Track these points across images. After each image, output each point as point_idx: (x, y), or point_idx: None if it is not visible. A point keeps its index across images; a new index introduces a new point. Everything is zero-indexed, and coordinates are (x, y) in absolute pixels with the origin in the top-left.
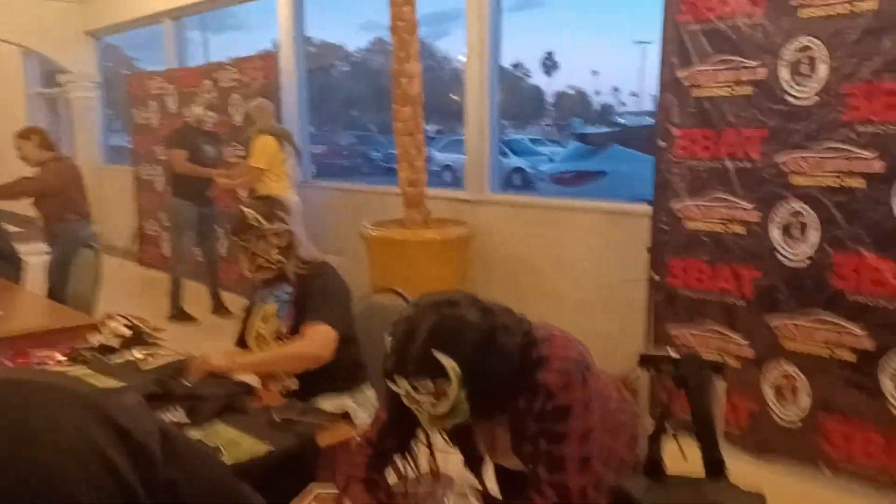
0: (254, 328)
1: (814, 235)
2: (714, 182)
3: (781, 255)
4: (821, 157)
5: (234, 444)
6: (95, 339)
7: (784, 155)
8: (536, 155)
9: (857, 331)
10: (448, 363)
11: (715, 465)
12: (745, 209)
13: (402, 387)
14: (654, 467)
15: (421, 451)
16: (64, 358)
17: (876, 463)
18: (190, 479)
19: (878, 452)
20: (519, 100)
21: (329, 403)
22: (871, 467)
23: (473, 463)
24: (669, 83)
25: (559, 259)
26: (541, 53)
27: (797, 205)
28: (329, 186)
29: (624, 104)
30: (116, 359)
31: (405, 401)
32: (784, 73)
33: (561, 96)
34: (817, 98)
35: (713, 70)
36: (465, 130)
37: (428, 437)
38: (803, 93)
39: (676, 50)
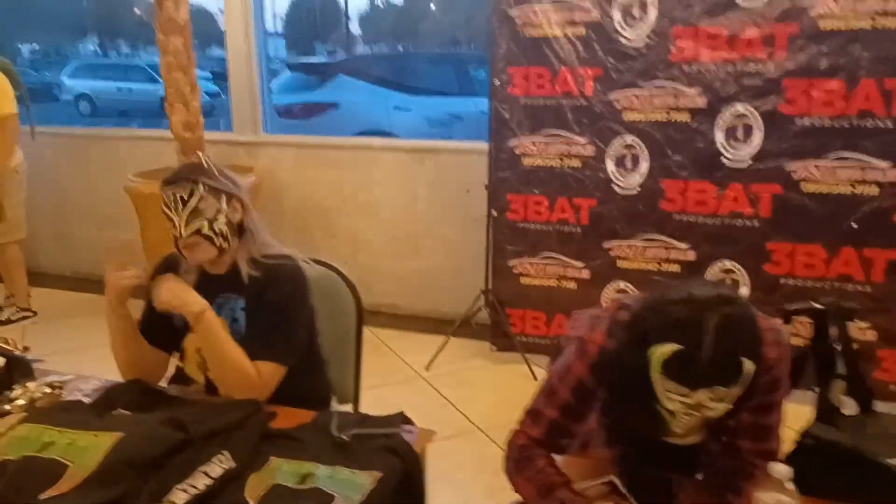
0: (192, 351)
1: (644, 165)
2: (550, 119)
3: (615, 184)
4: (650, 95)
5: (334, 481)
6: None
7: (617, 93)
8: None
9: (682, 245)
10: (748, 367)
11: (867, 400)
12: (581, 144)
13: (693, 399)
14: (828, 411)
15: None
16: None
17: None
18: None
19: None
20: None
21: None
22: None
23: None
24: (501, 21)
25: (361, 201)
26: None
27: (630, 138)
28: (55, 133)
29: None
30: (10, 402)
31: (682, 409)
32: (617, 16)
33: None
34: (647, 40)
35: (545, 10)
36: (228, 63)
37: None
38: (634, 34)
39: None
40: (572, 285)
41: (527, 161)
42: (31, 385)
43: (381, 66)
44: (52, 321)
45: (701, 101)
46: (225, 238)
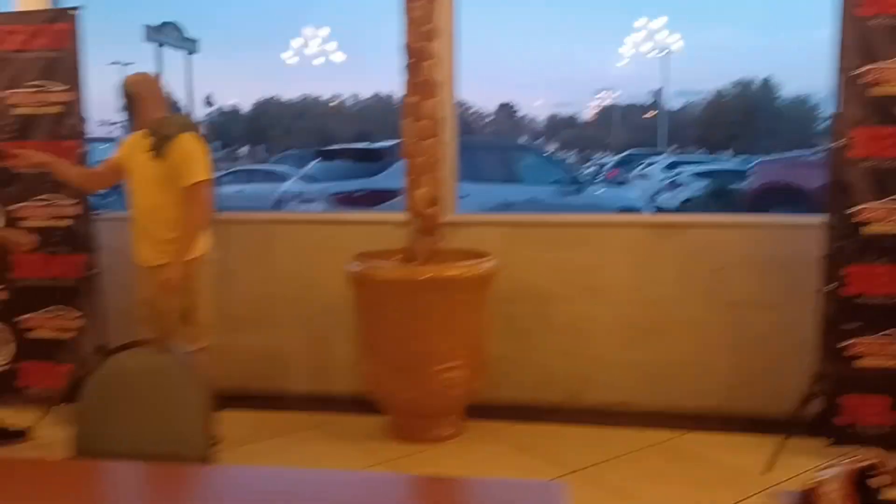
0: None
1: None
2: None
3: None
4: None
5: None
6: None
7: None
8: None
9: None
10: None
11: None
12: None
13: None
14: None
15: None
16: None
17: None
18: None
19: None
20: None
21: None
22: None
23: None
24: (846, 81)
25: (590, 285)
26: None
27: None
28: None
29: None
30: None
31: None
32: None
33: None
34: None
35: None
36: None
37: None
38: None
39: (855, 46)
40: None
41: (868, 229)
42: None
43: None
44: (239, 449)
45: None
46: None
